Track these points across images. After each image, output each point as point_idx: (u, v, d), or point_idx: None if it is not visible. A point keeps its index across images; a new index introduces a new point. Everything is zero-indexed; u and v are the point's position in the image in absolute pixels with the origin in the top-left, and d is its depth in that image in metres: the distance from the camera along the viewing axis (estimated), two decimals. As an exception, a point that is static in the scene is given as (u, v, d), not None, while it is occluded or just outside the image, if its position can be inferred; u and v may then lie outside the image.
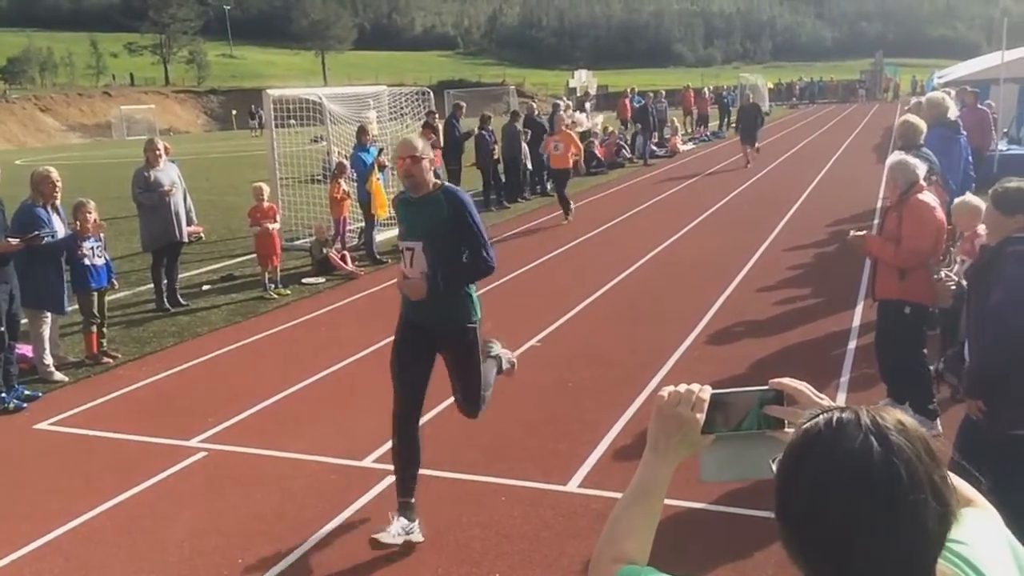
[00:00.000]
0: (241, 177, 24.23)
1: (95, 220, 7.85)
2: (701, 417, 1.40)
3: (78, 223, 7.72)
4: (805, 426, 1.14)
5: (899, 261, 5.20)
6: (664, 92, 30.80)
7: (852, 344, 7.38)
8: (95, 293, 7.93)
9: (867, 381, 6.33)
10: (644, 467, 1.44)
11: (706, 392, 1.42)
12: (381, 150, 12.86)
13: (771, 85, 57.49)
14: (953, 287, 5.21)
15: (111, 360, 7.95)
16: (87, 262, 7.77)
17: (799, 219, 13.75)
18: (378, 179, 12.32)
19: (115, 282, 8.49)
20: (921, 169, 5.25)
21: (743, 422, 1.41)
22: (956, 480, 1.25)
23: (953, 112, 8.45)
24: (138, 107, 67.83)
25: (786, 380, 1.38)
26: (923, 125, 6.88)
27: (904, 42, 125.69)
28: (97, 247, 7.92)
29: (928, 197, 5.24)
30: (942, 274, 5.64)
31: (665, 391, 1.44)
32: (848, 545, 1.05)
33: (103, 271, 8.02)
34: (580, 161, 16.61)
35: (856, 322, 7.99)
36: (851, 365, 6.85)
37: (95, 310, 7.94)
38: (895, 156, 5.50)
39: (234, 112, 67.65)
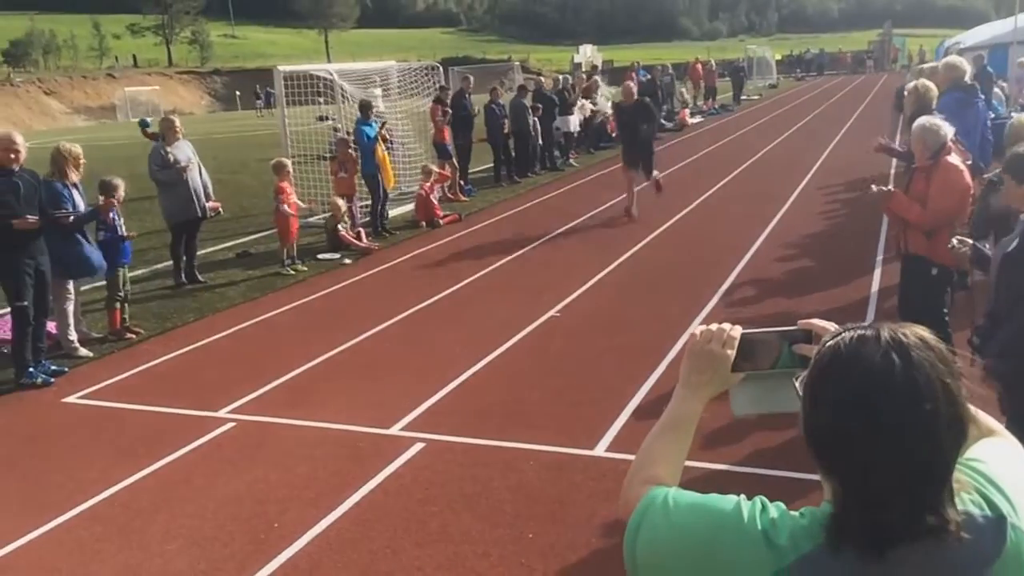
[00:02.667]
0: (249, 156, 24.26)
1: (120, 196, 7.91)
2: (731, 354, 1.45)
3: (105, 199, 7.76)
4: (829, 343, 1.19)
5: (924, 221, 5.21)
6: (670, 65, 30.61)
7: (871, 309, 7.41)
8: (120, 269, 7.98)
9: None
10: (676, 400, 1.49)
11: (736, 331, 1.46)
12: (383, 123, 12.84)
13: (779, 57, 57.12)
14: (967, 250, 5.20)
15: (134, 335, 8.02)
16: (121, 232, 7.85)
17: (812, 188, 13.72)
18: (383, 151, 12.32)
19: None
20: (948, 131, 5.24)
21: (774, 361, 1.45)
22: (979, 413, 1.30)
23: (969, 76, 8.39)
24: (142, 89, 67.71)
25: (815, 320, 1.42)
26: (934, 89, 6.83)
27: (912, 12, 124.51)
28: (119, 223, 7.97)
29: (956, 160, 5.23)
30: (954, 241, 5.65)
31: (697, 330, 1.49)
32: (870, 454, 1.11)
33: (127, 247, 8.08)
34: None
35: (874, 287, 8.01)
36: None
37: (119, 286, 8.00)
38: (918, 120, 5.49)
39: (238, 92, 67.51)
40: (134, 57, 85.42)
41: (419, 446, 5.28)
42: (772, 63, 50.16)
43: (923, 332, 1.17)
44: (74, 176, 7.62)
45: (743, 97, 34.49)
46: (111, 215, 7.88)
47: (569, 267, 9.66)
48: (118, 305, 8.05)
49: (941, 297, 5.44)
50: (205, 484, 5.00)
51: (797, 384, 1.25)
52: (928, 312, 5.48)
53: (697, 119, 27.77)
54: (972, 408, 1.18)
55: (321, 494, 4.76)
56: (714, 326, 1.48)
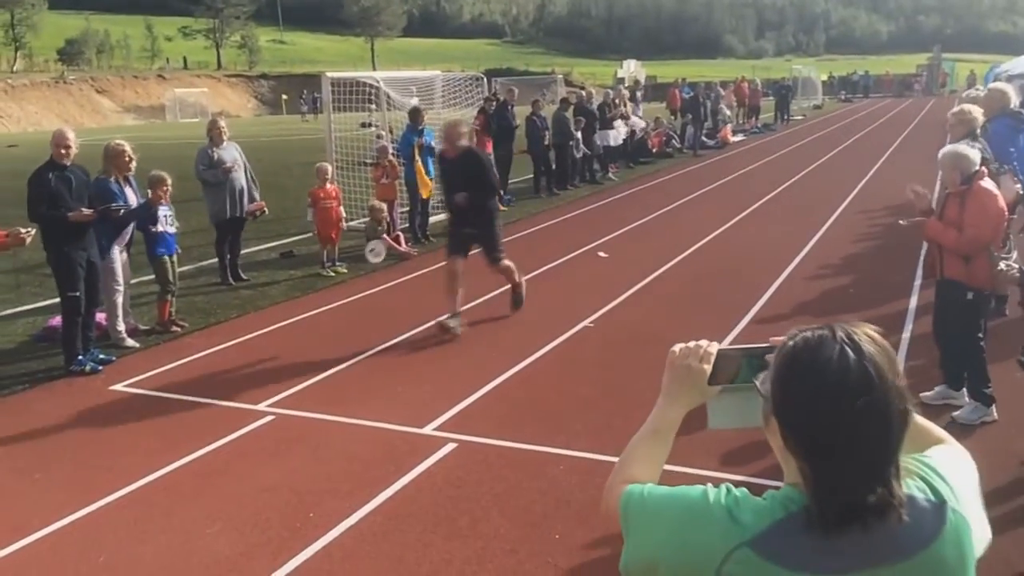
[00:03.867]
0: (292, 160, 24.68)
1: (167, 191, 8.15)
2: (708, 368, 1.58)
3: (155, 193, 8.01)
4: (792, 343, 1.37)
5: (961, 247, 5.24)
6: (718, 83, 30.60)
7: (906, 334, 7.40)
8: (168, 260, 8.22)
9: (921, 370, 6.36)
10: (656, 409, 1.64)
11: (713, 347, 1.60)
12: (422, 131, 12.75)
13: (825, 78, 56.67)
14: (1016, 274, 5.23)
15: (179, 328, 8.26)
16: (160, 228, 8.09)
17: (852, 211, 13.68)
18: (418, 162, 12.43)
19: (178, 248, 8.75)
20: (975, 155, 5.28)
21: (745, 375, 1.56)
22: (927, 423, 1.54)
23: (1016, 102, 8.36)
24: (191, 90, 69.11)
25: (783, 337, 1.51)
26: (979, 114, 6.84)
27: (963, 37, 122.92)
28: (169, 216, 8.23)
29: (990, 184, 5.27)
30: (1002, 265, 5.66)
31: (677, 346, 1.63)
32: (834, 435, 1.28)
33: (172, 239, 8.31)
34: None
35: (910, 311, 8.00)
36: (906, 353, 6.88)
37: (169, 278, 8.24)
38: (948, 147, 5.53)
39: (284, 97, 68.56)
40: (184, 59, 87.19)
41: (451, 446, 5.41)
42: (818, 84, 49.80)
43: (871, 331, 1.35)
44: (125, 172, 7.88)
45: (788, 117, 34.34)
46: (162, 213, 8.12)
47: (604, 279, 9.75)
48: (169, 298, 8.29)
49: (976, 321, 5.46)
50: (244, 473, 5.17)
51: (758, 383, 1.42)
52: (963, 337, 5.51)
53: (739, 137, 27.73)
54: (923, 420, 1.41)
55: (356, 488, 4.91)
56: (692, 343, 1.61)
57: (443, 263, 9.26)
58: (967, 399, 5.61)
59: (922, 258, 9.53)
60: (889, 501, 1.29)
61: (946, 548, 1.33)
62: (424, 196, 12.55)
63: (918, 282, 8.96)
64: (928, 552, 1.32)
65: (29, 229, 6.53)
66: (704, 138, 24.84)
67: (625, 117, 20.62)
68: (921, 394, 5.89)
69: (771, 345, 1.52)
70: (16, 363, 7.46)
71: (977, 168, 5.26)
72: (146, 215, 7.88)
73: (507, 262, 8.31)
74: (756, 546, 1.31)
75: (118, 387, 6.80)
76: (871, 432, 1.28)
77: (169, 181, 8.19)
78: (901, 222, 5.59)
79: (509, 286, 8.49)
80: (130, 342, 7.81)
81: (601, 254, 7.80)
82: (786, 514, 1.33)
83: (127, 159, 7.89)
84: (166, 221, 8.19)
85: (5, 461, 5.50)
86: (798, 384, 1.32)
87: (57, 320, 7.61)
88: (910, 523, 1.30)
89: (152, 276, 8.48)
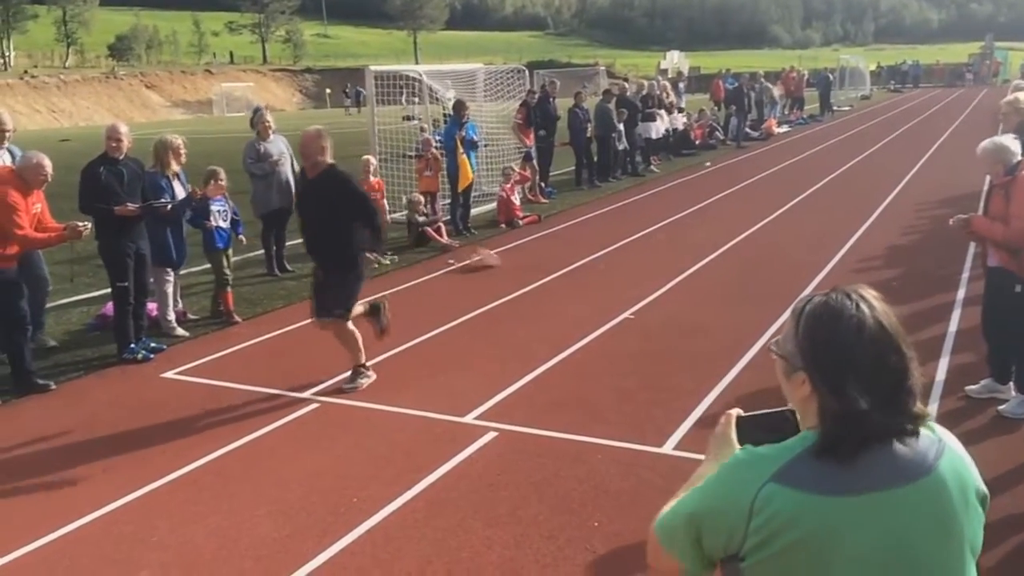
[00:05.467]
0: (337, 153, 24.80)
1: (218, 184, 8.31)
2: (733, 435, 1.79)
3: (206, 187, 8.18)
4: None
5: (1010, 240, 5.17)
6: (762, 73, 30.20)
7: (952, 327, 7.30)
8: (223, 254, 8.40)
9: (967, 364, 6.29)
10: (702, 466, 1.82)
11: (734, 412, 1.82)
12: (465, 124, 12.75)
13: (873, 68, 55.65)
14: None
15: (240, 319, 8.41)
16: (213, 222, 8.27)
17: (899, 203, 13.47)
18: (461, 154, 12.47)
19: (243, 238, 8.90)
20: (1016, 146, 5.21)
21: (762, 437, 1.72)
22: None
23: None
24: (237, 85, 70.10)
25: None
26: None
27: (1016, 25, 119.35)
28: (222, 211, 8.40)
29: (1034, 174, 5.19)
30: None
31: (723, 416, 1.83)
32: (860, 369, 1.53)
33: (227, 233, 8.48)
34: None
35: (958, 302, 7.88)
36: (951, 346, 6.79)
37: (225, 269, 8.42)
38: (987, 141, 5.46)
39: (328, 90, 69.23)
40: (231, 54, 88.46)
41: (492, 435, 5.49)
42: (866, 74, 48.89)
43: (875, 292, 1.63)
44: (175, 167, 8.07)
45: (834, 108, 33.80)
46: (215, 208, 8.29)
47: (645, 271, 9.75)
48: (228, 288, 8.47)
49: None
50: (290, 458, 5.31)
51: (774, 346, 1.68)
52: (1011, 327, 5.44)
53: (784, 128, 27.39)
54: None
55: (398, 474, 5.00)
56: (723, 416, 1.83)
57: (476, 258, 9.32)
58: (1013, 393, 5.54)
59: (970, 249, 9.38)
60: (906, 428, 1.56)
61: (947, 475, 1.57)
62: (460, 188, 12.61)
63: (966, 275, 8.83)
64: (931, 478, 1.55)
65: (86, 223, 6.75)
66: (748, 129, 24.59)
67: (669, 109, 20.50)
68: (966, 387, 5.83)
69: (783, 411, 1.72)
70: (71, 351, 7.70)
71: (1020, 158, 5.18)
72: (190, 208, 8.03)
73: (348, 327, 6.39)
74: (779, 478, 1.53)
75: (169, 375, 6.99)
76: (891, 364, 1.55)
77: (222, 175, 8.36)
78: (951, 222, 5.55)
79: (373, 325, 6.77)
80: (180, 331, 8.01)
81: (629, 315, 7.79)
82: (804, 448, 1.56)
83: (178, 153, 8.07)
84: (220, 216, 8.35)
85: (61, 444, 5.70)
86: (826, 331, 1.57)
87: (109, 309, 7.83)
88: (918, 451, 1.56)
89: (204, 267, 8.65)
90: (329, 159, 6.47)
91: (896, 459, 1.54)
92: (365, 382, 6.48)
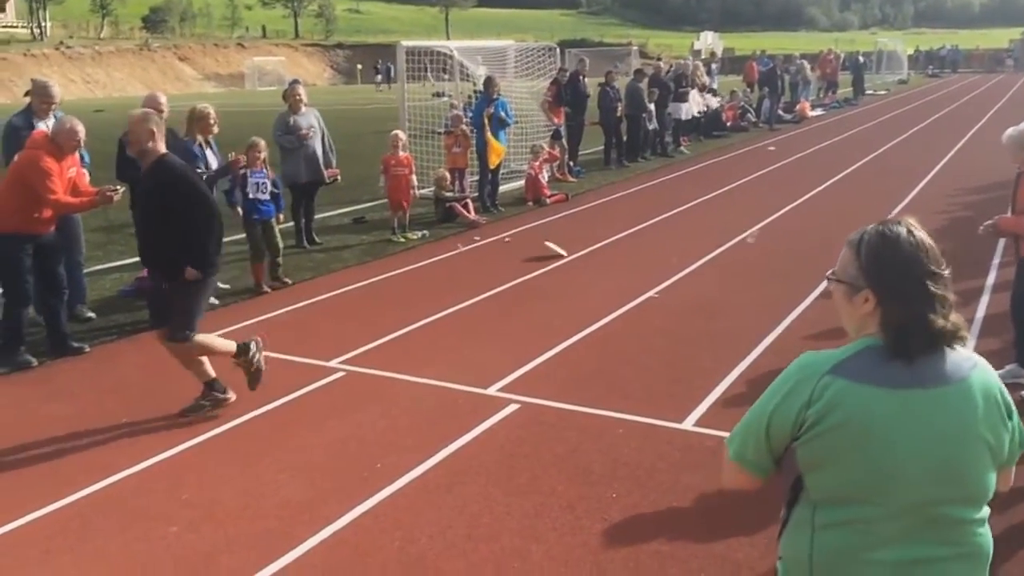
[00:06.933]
0: (366, 128, 25.04)
1: (262, 158, 8.41)
2: None
3: (244, 157, 8.28)
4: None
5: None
6: (798, 55, 29.78)
7: (980, 313, 7.26)
8: (260, 225, 8.51)
9: (993, 352, 6.25)
10: None
11: None
12: (493, 100, 12.63)
13: (911, 52, 54.68)
14: None
15: (268, 289, 8.55)
16: (252, 194, 8.39)
17: (932, 189, 13.31)
18: (488, 131, 12.46)
19: (281, 215, 8.98)
20: None
21: None
22: None
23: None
24: (269, 59, 70.43)
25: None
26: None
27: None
28: (263, 183, 8.50)
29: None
30: None
31: None
32: (919, 284, 1.84)
33: (269, 205, 8.60)
34: None
35: (987, 289, 7.83)
36: (977, 331, 6.76)
37: (260, 241, 8.53)
38: (1011, 129, 5.41)
39: (359, 66, 69.35)
40: (263, 28, 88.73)
41: (514, 407, 5.56)
42: (903, 58, 48.09)
43: (918, 223, 1.93)
44: (208, 136, 8.18)
45: (868, 91, 33.32)
46: (253, 180, 8.40)
47: (671, 251, 9.75)
48: (263, 260, 8.58)
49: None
50: (316, 424, 5.42)
51: (832, 275, 1.97)
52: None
53: (817, 112, 27.07)
54: None
55: (421, 443, 5.10)
56: None
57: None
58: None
59: (1002, 239, 9.28)
60: (955, 333, 1.84)
61: (976, 383, 1.86)
62: (492, 165, 12.62)
63: (996, 260, 8.75)
64: (963, 384, 1.84)
65: (117, 187, 6.87)
66: (781, 112, 24.34)
67: (703, 88, 20.33)
68: (991, 372, 5.80)
69: None
70: (106, 315, 7.87)
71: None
72: (224, 177, 8.14)
73: (193, 347, 5.50)
74: (836, 371, 1.84)
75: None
76: (942, 279, 1.86)
77: (263, 146, 8.45)
78: (980, 231, 5.53)
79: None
80: (211, 300, 8.13)
81: (654, 294, 7.76)
82: (864, 347, 1.87)
83: (211, 122, 8.18)
84: (258, 188, 8.46)
85: (95, 406, 5.86)
86: (891, 251, 1.87)
87: (145, 275, 7.97)
88: (956, 361, 1.86)
89: (237, 236, 8.78)
90: (161, 148, 5.34)
91: (941, 363, 1.84)
92: (207, 409, 5.50)
